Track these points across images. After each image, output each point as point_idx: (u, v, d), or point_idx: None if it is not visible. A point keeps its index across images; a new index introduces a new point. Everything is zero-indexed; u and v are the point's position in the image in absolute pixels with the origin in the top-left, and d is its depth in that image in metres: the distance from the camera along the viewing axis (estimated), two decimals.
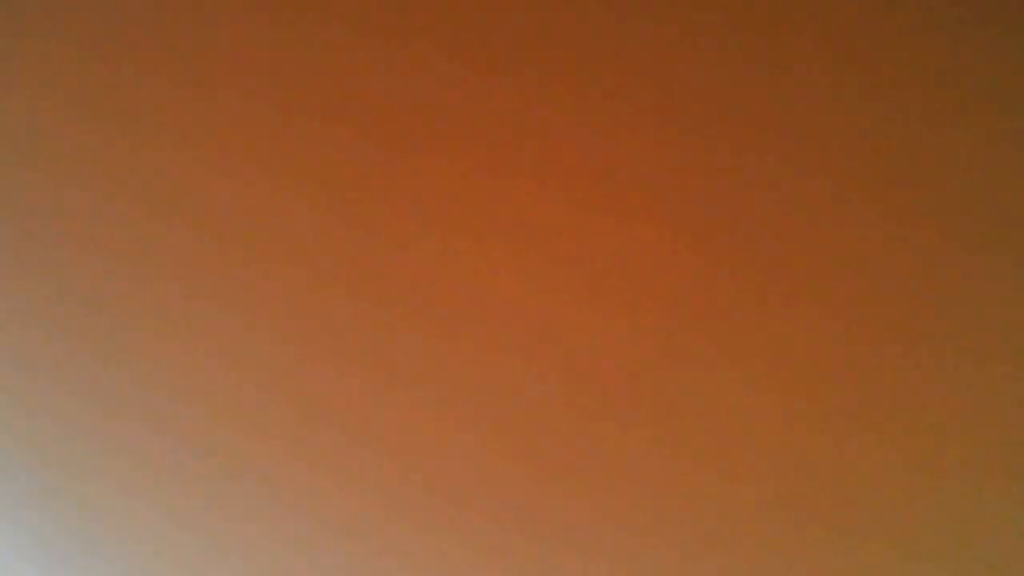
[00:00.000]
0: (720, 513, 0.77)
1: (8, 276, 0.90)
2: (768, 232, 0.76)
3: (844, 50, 0.74)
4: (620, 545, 0.79)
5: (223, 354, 0.86)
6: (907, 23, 0.73)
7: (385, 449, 0.83)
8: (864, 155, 0.74)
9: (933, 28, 0.73)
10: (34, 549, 0.90)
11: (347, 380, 0.84)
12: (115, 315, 0.88)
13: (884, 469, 0.74)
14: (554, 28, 0.80)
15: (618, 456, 0.79)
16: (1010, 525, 0.72)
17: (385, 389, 0.83)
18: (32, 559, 0.90)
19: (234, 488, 0.86)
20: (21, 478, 0.91)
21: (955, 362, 0.73)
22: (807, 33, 0.75)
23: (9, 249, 0.90)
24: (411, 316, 0.82)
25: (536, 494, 0.80)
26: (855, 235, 0.74)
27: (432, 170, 0.82)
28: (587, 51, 0.79)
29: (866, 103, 0.74)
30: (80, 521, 0.89)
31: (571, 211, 0.79)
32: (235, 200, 0.85)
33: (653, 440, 0.78)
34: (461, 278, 0.81)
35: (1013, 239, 0.72)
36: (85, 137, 0.89)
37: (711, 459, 0.77)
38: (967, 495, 0.73)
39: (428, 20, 0.82)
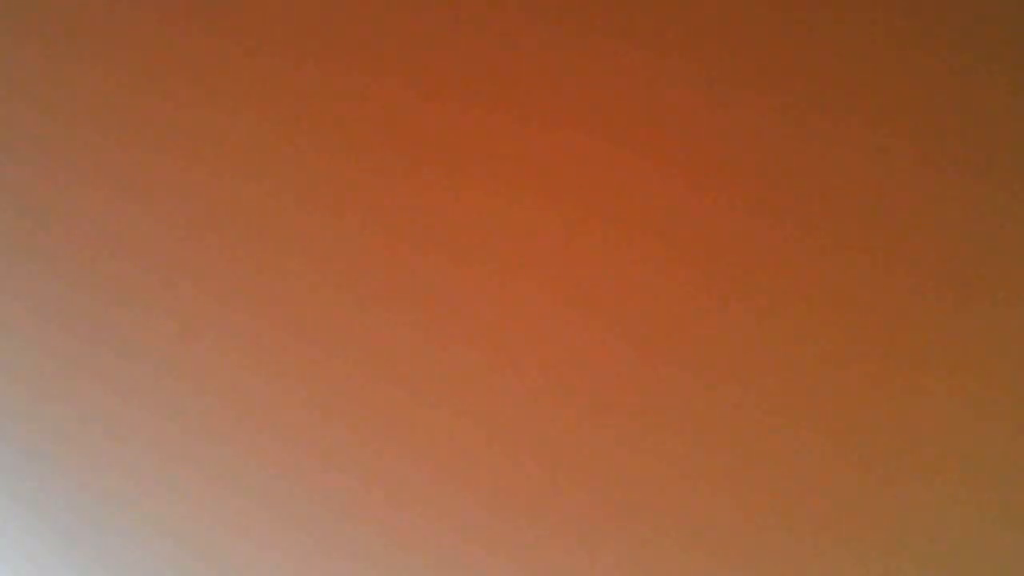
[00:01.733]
0: (721, 512, 0.77)
1: (30, 274, 0.91)
2: (767, 232, 0.76)
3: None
4: (625, 541, 0.79)
5: (237, 349, 0.86)
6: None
7: (394, 443, 0.84)
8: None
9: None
10: (55, 535, 0.91)
11: (356, 375, 0.84)
12: (133, 311, 0.89)
13: (886, 475, 0.74)
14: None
15: (623, 452, 0.79)
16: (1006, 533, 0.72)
17: (393, 385, 0.84)
18: (52, 544, 0.91)
19: (247, 478, 0.87)
20: (44, 468, 0.92)
21: (963, 363, 0.73)
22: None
23: (32, 249, 0.91)
24: (425, 318, 0.83)
25: (544, 489, 0.81)
26: (856, 238, 0.74)
27: (445, 173, 0.82)
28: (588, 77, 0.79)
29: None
30: (100, 509, 0.90)
31: (577, 221, 0.79)
32: (252, 198, 0.86)
33: (658, 438, 0.78)
34: (474, 285, 0.82)
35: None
36: (99, 138, 0.89)
37: (714, 459, 0.77)
38: (964, 500, 0.73)
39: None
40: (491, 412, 0.82)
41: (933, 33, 0.72)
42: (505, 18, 0.80)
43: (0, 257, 0.92)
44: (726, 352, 0.77)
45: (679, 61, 0.77)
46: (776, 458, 0.76)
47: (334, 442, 0.85)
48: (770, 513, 0.76)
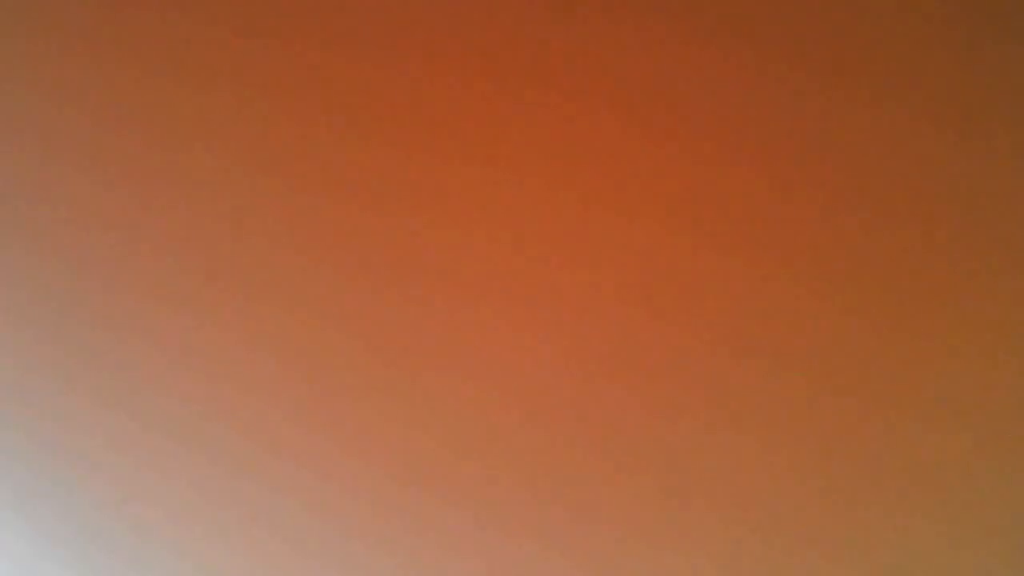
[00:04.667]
0: (727, 512, 0.76)
1: (26, 294, 0.91)
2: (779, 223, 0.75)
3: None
4: (616, 545, 0.79)
5: (218, 360, 0.86)
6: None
7: (384, 449, 0.83)
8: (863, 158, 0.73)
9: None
10: (46, 540, 0.91)
11: (347, 391, 0.84)
12: (124, 330, 0.89)
13: (902, 464, 0.73)
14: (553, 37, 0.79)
15: (617, 454, 0.78)
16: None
17: (379, 392, 0.83)
18: (43, 549, 0.91)
19: (240, 491, 0.87)
20: (35, 477, 0.92)
21: (962, 350, 0.71)
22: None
23: (28, 268, 0.91)
24: (415, 336, 0.82)
25: (538, 495, 0.80)
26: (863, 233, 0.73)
27: (445, 170, 0.81)
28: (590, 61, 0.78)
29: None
30: (89, 514, 0.90)
31: (578, 211, 0.79)
32: (238, 224, 0.86)
33: (654, 438, 0.78)
34: (470, 278, 0.81)
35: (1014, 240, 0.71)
36: (89, 166, 0.90)
37: (721, 458, 0.76)
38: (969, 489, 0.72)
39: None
40: (479, 431, 0.81)
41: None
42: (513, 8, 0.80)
43: None
44: (739, 349, 0.76)
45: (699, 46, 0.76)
46: (785, 454, 0.75)
47: (325, 457, 0.85)
48: (762, 539, 0.75)
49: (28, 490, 0.91)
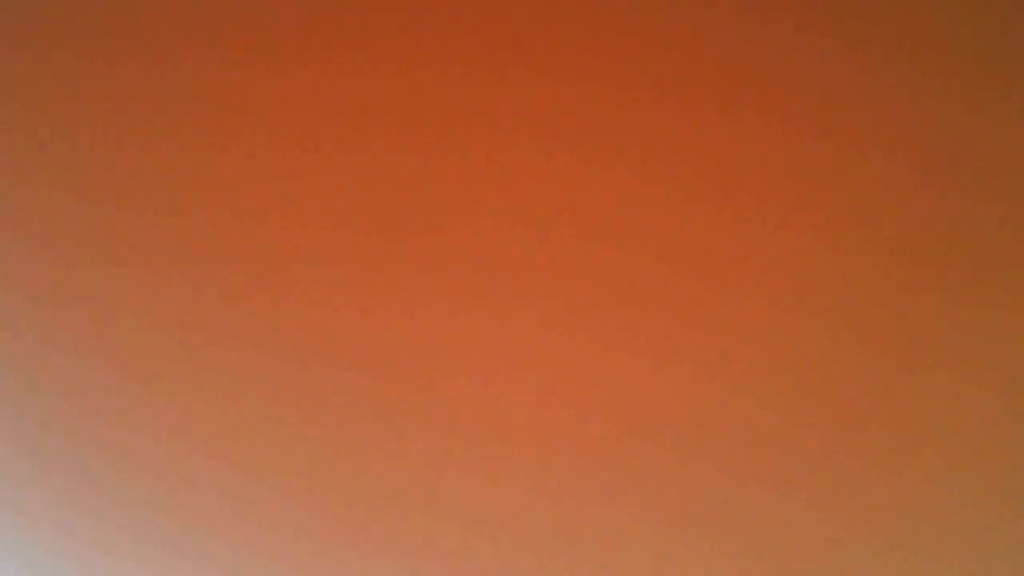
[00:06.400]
0: (736, 518, 0.76)
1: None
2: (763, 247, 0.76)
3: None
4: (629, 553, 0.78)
5: (204, 440, 0.84)
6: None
7: (371, 513, 0.82)
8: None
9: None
10: None
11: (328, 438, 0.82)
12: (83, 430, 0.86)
13: (888, 470, 0.74)
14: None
15: (629, 466, 0.78)
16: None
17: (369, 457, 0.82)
18: None
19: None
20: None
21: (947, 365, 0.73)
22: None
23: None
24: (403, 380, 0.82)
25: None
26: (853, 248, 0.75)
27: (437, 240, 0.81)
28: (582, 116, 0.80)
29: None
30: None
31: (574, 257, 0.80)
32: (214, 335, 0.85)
33: (664, 447, 0.77)
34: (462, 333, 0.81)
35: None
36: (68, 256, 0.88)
37: (725, 466, 0.76)
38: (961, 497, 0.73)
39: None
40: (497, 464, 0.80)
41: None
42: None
43: None
44: (734, 363, 0.76)
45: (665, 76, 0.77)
46: (792, 464, 0.75)
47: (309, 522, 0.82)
48: (792, 521, 0.76)
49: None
